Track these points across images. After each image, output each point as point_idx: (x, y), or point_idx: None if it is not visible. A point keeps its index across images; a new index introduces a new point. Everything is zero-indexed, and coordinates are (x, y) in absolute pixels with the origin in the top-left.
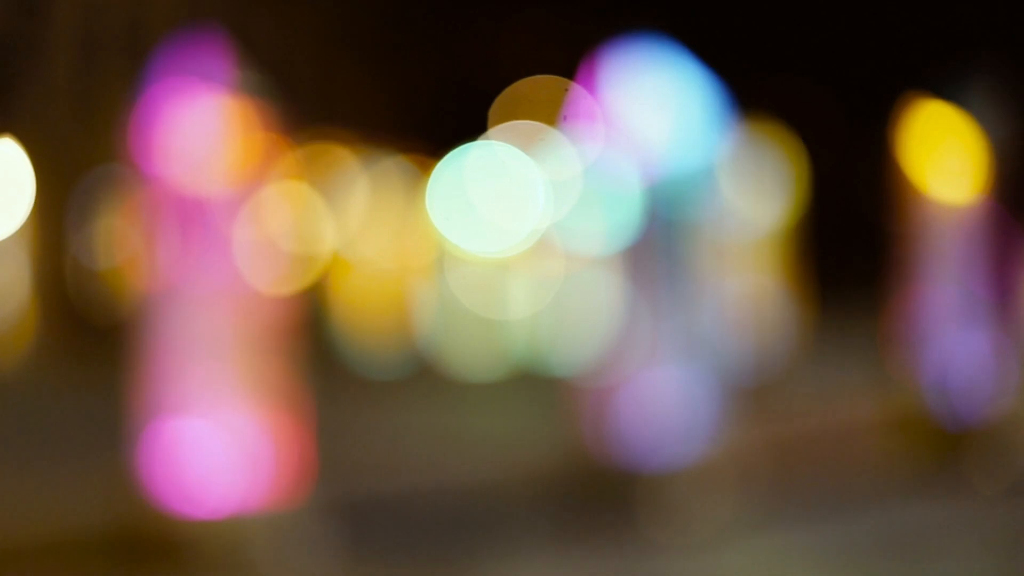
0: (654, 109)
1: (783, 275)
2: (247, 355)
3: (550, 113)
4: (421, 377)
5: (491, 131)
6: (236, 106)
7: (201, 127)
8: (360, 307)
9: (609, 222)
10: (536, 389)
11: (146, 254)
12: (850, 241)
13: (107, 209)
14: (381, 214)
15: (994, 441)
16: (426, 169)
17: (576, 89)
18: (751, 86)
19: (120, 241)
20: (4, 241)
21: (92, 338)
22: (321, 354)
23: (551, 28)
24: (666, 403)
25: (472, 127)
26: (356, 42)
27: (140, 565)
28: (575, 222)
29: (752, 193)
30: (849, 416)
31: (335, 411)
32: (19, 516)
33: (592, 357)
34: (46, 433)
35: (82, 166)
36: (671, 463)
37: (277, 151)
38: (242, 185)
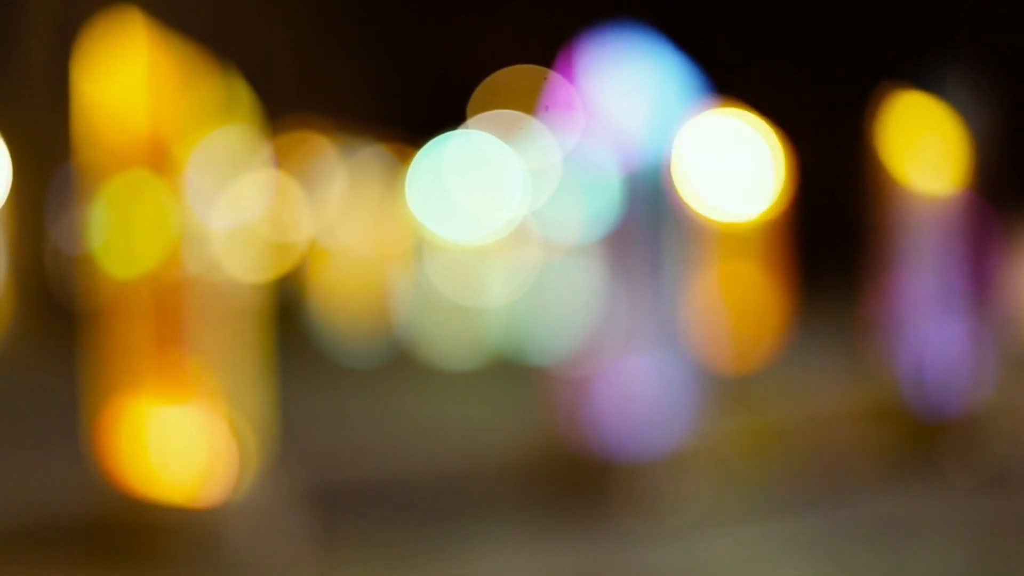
0: (633, 98)
1: (761, 265)
2: (222, 342)
3: (529, 102)
4: (398, 365)
5: (470, 120)
6: (213, 90)
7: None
8: (338, 295)
9: (588, 211)
10: (513, 377)
11: (125, 241)
12: (829, 231)
13: (85, 195)
14: (360, 202)
15: (971, 433)
16: (405, 158)
17: (555, 78)
18: (729, 75)
19: (98, 228)
20: None
21: (70, 324)
22: (299, 341)
23: (531, 17)
24: (643, 392)
25: (451, 116)
26: (335, 30)
27: (112, 551)
28: (554, 211)
29: (730, 182)
30: (826, 406)
31: (312, 398)
32: None
33: (570, 345)
34: (22, 419)
35: (61, 153)
36: (648, 452)
37: (257, 139)
38: (221, 172)
